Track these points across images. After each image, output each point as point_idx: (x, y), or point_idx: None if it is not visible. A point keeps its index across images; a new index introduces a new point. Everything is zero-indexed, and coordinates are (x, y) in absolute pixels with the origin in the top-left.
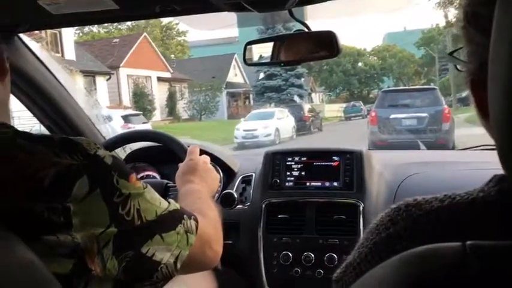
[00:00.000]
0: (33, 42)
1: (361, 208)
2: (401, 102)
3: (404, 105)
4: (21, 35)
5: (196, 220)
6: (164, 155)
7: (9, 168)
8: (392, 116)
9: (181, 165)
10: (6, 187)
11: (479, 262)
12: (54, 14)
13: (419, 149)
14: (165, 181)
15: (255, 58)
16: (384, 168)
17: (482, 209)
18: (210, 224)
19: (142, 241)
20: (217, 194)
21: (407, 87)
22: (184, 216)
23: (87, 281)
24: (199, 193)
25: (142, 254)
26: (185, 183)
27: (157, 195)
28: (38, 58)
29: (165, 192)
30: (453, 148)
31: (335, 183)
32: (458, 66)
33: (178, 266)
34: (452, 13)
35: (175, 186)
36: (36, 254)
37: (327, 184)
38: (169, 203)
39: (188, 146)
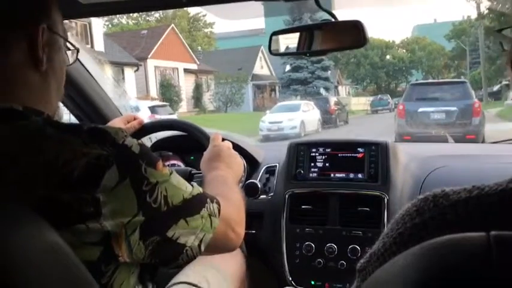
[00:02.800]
0: None
1: (385, 200)
2: (430, 95)
3: (433, 98)
4: None
5: (218, 203)
6: (188, 144)
7: (38, 158)
8: (420, 110)
9: (205, 152)
10: (36, 177)
11: (503, 252)
12: (83, 3)
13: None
14: (190, 169)
15: (282, 49)
16: (410, 161)
17: (510, 200)
18: (232, 207)
19: (168, 226)
20: (241, 184)
21: (436, 81)
22: (208, 200)
23: (115, 267)
24: (224, 178)
25: (168, 238)
26: (210, 170)
27: (182, 180)
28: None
29: (190, 179)
30: (483, 143)
31: (359, 175)
32: (505, 46)
33: (202, 248)
34: (485, 5)
35: (199, 174)
36: (65, 241)
37: (351, 176)
38: (192, 186)
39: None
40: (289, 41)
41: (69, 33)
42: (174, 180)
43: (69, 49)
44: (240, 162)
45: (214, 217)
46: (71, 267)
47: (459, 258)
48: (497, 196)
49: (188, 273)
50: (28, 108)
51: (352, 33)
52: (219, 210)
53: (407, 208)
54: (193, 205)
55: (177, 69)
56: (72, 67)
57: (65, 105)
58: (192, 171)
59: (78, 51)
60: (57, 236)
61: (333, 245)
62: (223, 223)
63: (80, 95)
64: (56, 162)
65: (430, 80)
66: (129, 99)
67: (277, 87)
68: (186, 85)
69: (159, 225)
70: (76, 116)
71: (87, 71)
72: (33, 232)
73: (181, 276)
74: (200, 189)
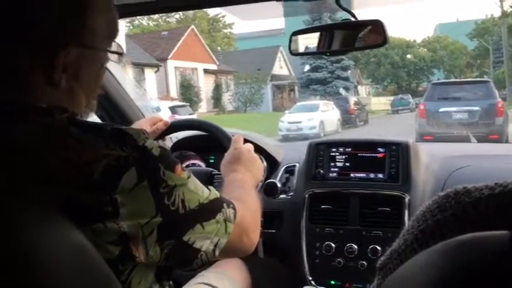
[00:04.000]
0: None
1: (406, 200)
2: (452, 95)
3: (455, 98)
4: None
5: (234, 209)
6: (209, 144)
7: (61, 157)
8: (442, 110)
9: (226, 154)
10: (58, 176)
11: None
12: None
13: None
14: (210, 169)
15: (301, 49)
16: (431, 161)
17: None
18: (248, 212)
19: (184, 230)
20: (260, 183)
21: (459, 80)
22: (224, 204)
23: (133, 266)
24: (243, 182)
25: (183, 242)
26: (230, 172)
27: (199, 184)
28: None
29: (210, 180)
30: (506, 143)
31: (380, 175)
32: None
33: (217, 253)
34: (508, 3)
35: (220, 174)
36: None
37: (372, 176)
38: (209, 190)
39: (233, 135)
40: (309, 41)
41: None
42: (191, 185)
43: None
44: (260, 166)
45: (229, 222)
46: (94, 265)
47: (482, 257)
48: None
49: (208, 275)
50: (52, 106)
51: (373, 33)
52: (234, 216)
53: (428, 205)
54: (209, 210)
55: (197, 69)
56: None
57: None
58: (213, 172)
59: (121, 54)
60: (81, 235)
61: (353, 245)
62: (238, 228)
63: (103, 96)
64: (77, 162)
65: (452, 80)
66: (151, 99)
67: (296, 87)
68: (205, 85)
69: (176, 228)
70: (99, 117)
71: (110, 72)
72: (58, 231)
73: (200, 277)
74: (217, 194)
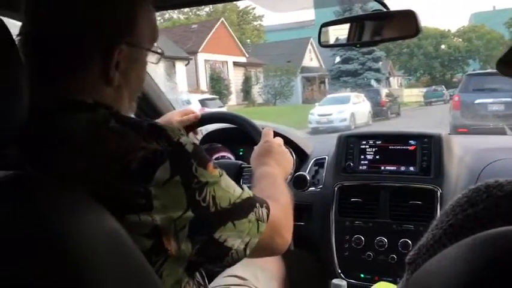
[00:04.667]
0: None
1: (438, 194)
2: (488, 86)
3: (491, 89)
4: None
5: (268, 208)
6: (239, 136)
7: (101, 148)
8: (477, 101)
9: (256, 147)
10: (98, 166)
11: None
12: None
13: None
14: (240, 162)
15: (331, 40)
16: (465, 153)
17: None
18: (281, 211)
19: (215, 227)
20: (289, 176)
21: (494, 71)
22: (257, 204)
23: (165, 258)
24: (274, 177)
25: (215, 239)
26: (260, 166)
27: (231, 183)
28: None
29: (240, 173)
30: None
31: (411, 168)
32: None
33: (248, 252)
34: None
35: (249, 167)
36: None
37: (403, 168)
38: (242, 189)
39: (262, 128)
40: (339, 32)
41: None
42: (223, 183)
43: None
44: (289, 160)
45: (261, 222)
46: (130, 254)
47: None
48: None
49: (238, 268)
50: (98, 102)
51: (405, 23)
52: (267, 215)
53: (457, 199)
54: (241, 209)
55: (227, 62)
56: None
57: None
58: (242, 165)
59: (162, 54)
60: (117, 224)
61: (383, 238)
62: (270, 228)
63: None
64: (116, 153)
65: (489, 70)
66: (181, 92)
67: (326, 80)
68: (235, 78)
69: (208, 225)
70: None
71: None
72: (95, 219)
73: (231, 270)
74: (250, 193)
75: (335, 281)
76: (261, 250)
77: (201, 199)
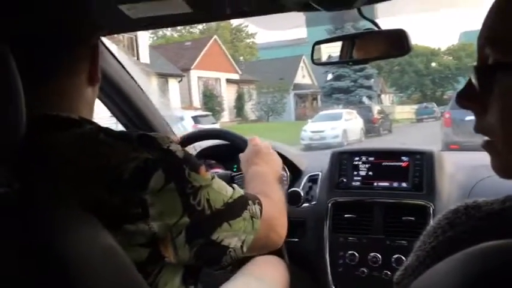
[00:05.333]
0: (113, 45)
1: (431, 210)
2: None
3: None
4: (103, 39)
5: (260, 204)
6: (232, 153)
7: (92, 161)
8: (468, 118)
9: (244, 152)
10: (89, 178)
11: None
12: (133, 18)
13: None
14: (229, 172)
15: (324, 58)
16: (456, 170)
17: None
18: (274, 207)
19: (212, 229)
20: (283, 192)
21: None
22: (249, 201)
23: (161, 268)
24: (264, 175)
25: (212, 240)
26: (250, 166)
27: (223, 184)
28: (117, 60)
29: (231, 181)
30: None
31: (404, 184)
32: None
33: (245, 249)
34: None
35: (240, 174)
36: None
37: (395, 185)
38: (233, 189)
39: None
40: (332, 50)
41: (117, 46)
42: (215, 185)
43: None
44: (278, 160)
45: (256, 219)
46: (123, 268)
47: (506, 263)
48: None
49: (235, 283)
50: (83, 119)
51: (396, 42)
52: (260, 211)
53: (438, 220)
54: (235, 208)
55: (220, 79)
56: (122, 79)
57: (114, 114)
58: (233, 174)
59: None
60: (111, 237)
61: (377, 254)
62: (265, 224)
63: (129, 106)
64: (107, 165)
65: None
66: (174, 109)
67: (319, 96)
68: (228, 95)
69: (204, 228)
70: (124, 126)
71: (136, 82)
72: (89, 233)
73: (228, 285)
74: (241, 192)
75: None
76: (257, 246)
77: (195, 203)
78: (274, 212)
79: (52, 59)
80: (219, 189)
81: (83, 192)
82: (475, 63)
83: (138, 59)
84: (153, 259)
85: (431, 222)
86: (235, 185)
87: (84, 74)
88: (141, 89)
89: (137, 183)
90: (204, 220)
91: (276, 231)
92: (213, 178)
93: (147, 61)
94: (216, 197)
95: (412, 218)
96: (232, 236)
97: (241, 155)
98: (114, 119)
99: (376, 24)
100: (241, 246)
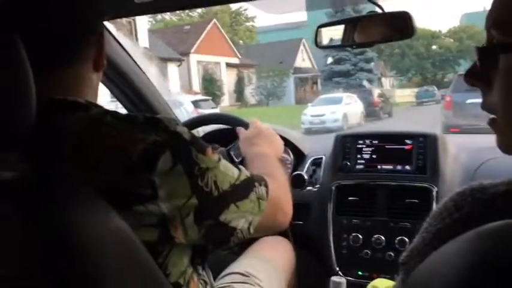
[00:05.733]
0: (114, 30)
1: (434, 192)
2: None
3: None
4: (106, 23)
5: (266, 186)
6: (233, 136)
7: (100, 144)
8: (469, 101)
9: (244, 132)
10: (98, 162)
11: None
12: (137, 2)
13: None
14: (223, 148)
15: (326, 41)
16: (459, 152)
17: None
18: (279, 187)
19: (220, 210)
20: (287, 175)
21: None
22: (255, 183)
23: (170, 248)
24: (267, 156)
25: (220, 222)
26: (251, 146)
27: (229, 165)
28: (121, 45)
29: (229, 157)
30: None
31: (407, 167)
32: None
33: (252, 231)
34: None
35: (234, 145)
36: (127, 224)
37: (399, 167)
38: (240, 170)
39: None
40: (334, 33)
41: (119, 31)
42: (222, 167)
43: None
44: (279, 141)
45: (262, 200)
46: (133, 249)
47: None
48: None
49: (241, 264)
50: (90, 102)
51: (400, 24)
52: (267, 193)
53: (444, 203)
54: (242, 190)
55: (219, 63)
56: (125, 63)
57: (118, 99)
58: (228, 148)
59: None
60: (121, 220)
61: (380, 236)
62: (271, 205)
63: (132, 90)
64: (115, 147)
65: None
66: (177, 94)
67: (319, 80)
68: (228, 79)
69: (212, 209)
70: (128, 110)
71: (138, 66)
72: (100, 216)
73: (234, 266)
74: (248, 174)
75: (334, 278)
76: (265, 227)
77: (203, 184)
78: (280, 193)
79: (61, 47)
80: (226, 170)
81: (92, 175)
82: (477, 45)
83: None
84: (163, 239)
85: (437, 204)
86: (241, 166)
87: (90, 61)
88: (144, 74)
89: (146, 164)
90: (211, 201)
91: (282, 212)
92: (219, 160)
93: (147, 45)
94: (223, 179)
95: (416, 201)
96: (239, 218)
97: (241, 135)
98: (113, 104)
99: (380, 7)
100: (248, 228)
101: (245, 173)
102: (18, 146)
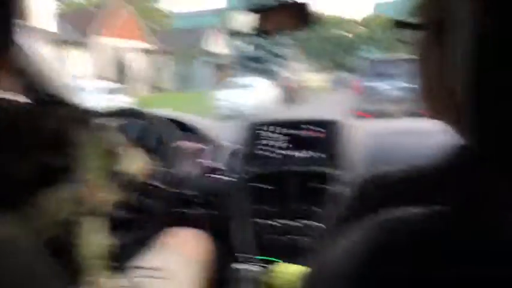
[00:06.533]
0: None
1: (342, 179)
2: (388, 71)
3: (392, 75)
4: None
5: None
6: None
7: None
8: (378, 86)
9: None
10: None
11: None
12: None
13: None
14: None
15: (239, 28)
16: (367, 138)
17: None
18: None
19: None
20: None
21: (394, 57)
22: None
23: None
24: None
25: None
26: None
27: None
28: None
29: None
30: None
31: (319, 154)
32: None
33: None
34: None
35: None
36: None
37: (312, 154)
38: None
39: (169, 119)
40: (247, 20)
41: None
42: None
43: None
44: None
45: None
46: None
47: (401, 234)
48: (431, 173)
49: (148, 258)
50: None
51: (301, 14)
52: None
53: (347, 191)
54: None
55: (132, 48)
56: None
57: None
58: None
59: None
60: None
61: (294, 222)
62: None
63: (31, 77)
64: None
65: (389, 57)
66: (80, 78)
67: (233, 66)
68: (142, 65)
69: None
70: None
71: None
72: None
73: (143, 260)
74: None
75: (239, 265)
76: None
77: None
78: None
79: None
80: None
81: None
82: (386, 33)
83: (41, 27)
84: None
85: (343, 191)
86: None
87: None
88: (45, 60)
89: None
90: None
91: None
92: None
93: (55, 30)
94: None
95: (326, 187)
96: None
97: None
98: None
99: None
100: None
101: None
102: None
